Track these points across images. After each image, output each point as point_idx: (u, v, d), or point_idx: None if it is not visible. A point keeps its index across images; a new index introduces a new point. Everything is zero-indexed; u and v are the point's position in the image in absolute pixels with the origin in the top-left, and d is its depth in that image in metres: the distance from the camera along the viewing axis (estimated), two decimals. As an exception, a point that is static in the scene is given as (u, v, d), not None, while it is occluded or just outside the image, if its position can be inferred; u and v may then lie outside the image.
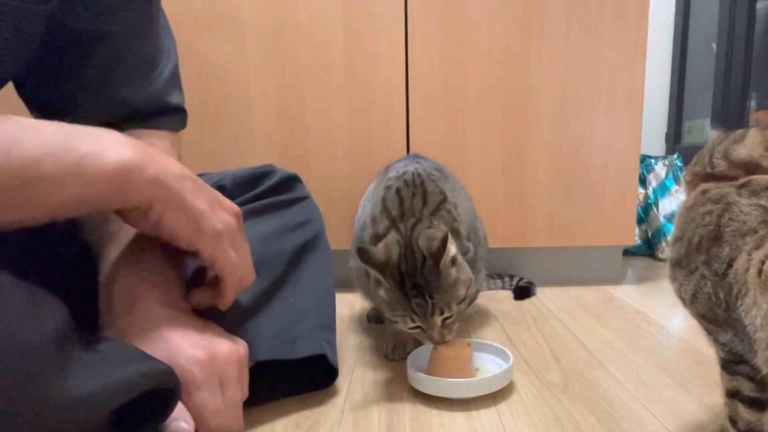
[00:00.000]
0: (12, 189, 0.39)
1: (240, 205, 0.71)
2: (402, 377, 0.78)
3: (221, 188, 0.72)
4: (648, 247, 1.75)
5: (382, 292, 0.72)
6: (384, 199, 0.82)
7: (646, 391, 0.73)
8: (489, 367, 0.78)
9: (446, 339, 0.72)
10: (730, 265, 0.44)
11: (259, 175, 0.76)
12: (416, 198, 0.81)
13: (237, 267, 0.56)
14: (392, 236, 0.75)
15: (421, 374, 0.72)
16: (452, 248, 0.71)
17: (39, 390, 0.35)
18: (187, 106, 1.24)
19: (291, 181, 0.79)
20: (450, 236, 0.71)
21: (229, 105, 1.27)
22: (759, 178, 0.47)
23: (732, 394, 0.51)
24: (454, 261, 0.72)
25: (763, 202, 0.44)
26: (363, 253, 0.70)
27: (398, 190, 0.82)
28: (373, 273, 0.71)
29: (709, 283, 0.46)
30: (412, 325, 0.71)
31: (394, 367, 0.84)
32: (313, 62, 1.27)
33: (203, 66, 1.26)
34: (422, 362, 0.76)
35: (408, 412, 0.69)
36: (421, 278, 0.70)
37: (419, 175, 0.85)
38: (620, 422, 0.65)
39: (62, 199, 0.42)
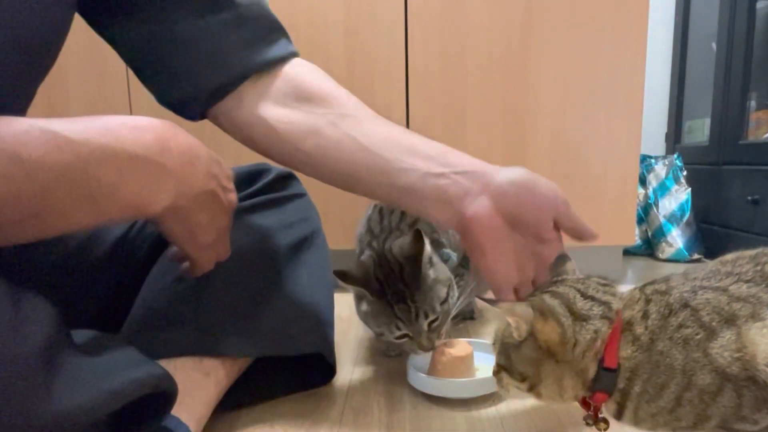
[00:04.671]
0: (15, 221, 0.37)
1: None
2: (402, 376, 0.78)
3: None
4: (648, 247, 1.75)
5: (364, 306, 0.72)
6: (369, 219, 0.86)
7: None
8: (489, 367, 0.78)
9: (435, 345, 0.71)
10: None
11: (255, 173, 0.76)
12: (394, 214, 0.83)
13: (214, 260, 0.57)
14: (366, 254, 0.77)
15: (421, 374, 0.72)
16: (428, 247, 0.72)
17: (24, 406, 0.34)
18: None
19: (287, 179, 0.78)
20: (423, 234, 0.71)
21: (229, 105, 1.27)
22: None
23: None
24: (430, 262, 0.73)
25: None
26: (339, 275, 0.72)
27: (381, 210, 0.85)
28: (354, 289, 0.72)
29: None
30: (398, 333, 0.71)
31: (394, 366, 0.84)
32: (313, 62, 1.26)
33: (203, 66, 1.26)
34: (422, 362, 0.76)
35: (408, 412, 0.69)
36: (401, 284, 0.70)
37: None
38: (620, 422, 0.65)
39: (67, 227, 0.41)
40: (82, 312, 0.64)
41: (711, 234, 1.71)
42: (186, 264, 0.57)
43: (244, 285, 0.64)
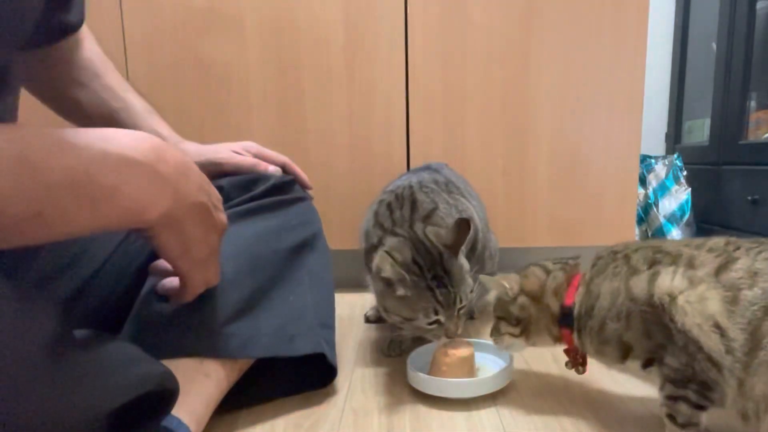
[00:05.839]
0: (18, 220, 0.37)
1: (237, 205, 0.71)
2: (402, 377, 0.78)
3: (218, 189, 0.72)
4: (648, 247, 1.75)
5: (401, 291, 0.70)
6: (376, 214, 0.85)
7: (646, 390, 0.73)
8: (489, 367, 0.78)
9: (459, 331, 0.73)
10: None
11: (253, 181, 0.77)
12: (405, 208, 0.83)
13: (204, 282, 0.57)
14: (392, 240, 0.76)
15: (421, 374, 0.72)
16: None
17: (29, 400, 0.34)
18: (187, 106, 1.25)
19: (288, 184, 0.79)
20: (471, 222, 0.73)
21: (229, 105, 1.27)
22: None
23: (676, 398, 0.55)
24: (462, 252, 0.74)
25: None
26: (390, 255, 0.71)
27: (389, 204, 0.85)
28: (397, 272, 0.69)
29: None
30: (433, 318, 0.71)
31: (394, 367, 0.84)
32: (313, 62, 1.27)
33: (203, 66, 1.26)
34: (422, 362, 0.76)
35: (408, 412, 0.69)
36: (441, 269, 0.71)
37: (410, 187, 0.87)
38: (620, 422, 0.65)
39: (68, 229, 0.41)
40: (82, 314, 0.64)
41: (711, 234, 1.71)
42: (175, 283, 0.57)
43: (245, 286, 0.64)
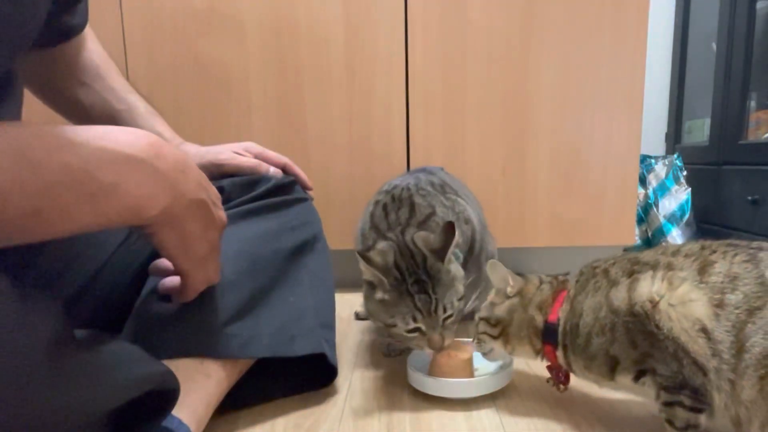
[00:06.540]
0: (18, 217, 0.37)
1: (238, 206, 0.71)
2: (402, 377, 0.78)
3: (219, 190, 0.72)
4: (648, 247, 1.75)
5: (379, 294, 0.69)
6: (372, 215, 0.84)
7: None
8: (489, 367, 0.78)
9: (446, 344, 0.70)
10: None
11: (254, 181, 0.77)
12: (402, 210, 0.82)
13: (205, 280, 0.57)
14: (381, 244, 0.75)
15: (421, 374, 0.72)
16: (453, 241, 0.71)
17: (31, 397, 0.34)
18: (187, 106, 1.25)
19: (289, 184, 0.79)
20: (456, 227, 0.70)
21: (229, 105, 1.28)
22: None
23: (671, 404, 0.55)
24: (449, 258, 0.72)
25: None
26: (363, 257, 0.69)
27: (385, 206, 0.83)
28: (374, 274, 0.69)
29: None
30: (412, 325, 0.68)
31: (394, 367, 0.84)
32: (313, 62, 1.27)
33: (203, 66, 1.26)
34: (422, 362, 0.76)
35: (408, 412, 0.69)
36: (424, 274, 0.69)
37: (408, 189, 0.86)
38: (620, 423, 0.65)
39: (68, 227, 0.41)
40: (83, 314, 0.64)
41: (711, 234, 1.72)
42: (176, 282, 0.57)
43: (245, 286, 0.64)
